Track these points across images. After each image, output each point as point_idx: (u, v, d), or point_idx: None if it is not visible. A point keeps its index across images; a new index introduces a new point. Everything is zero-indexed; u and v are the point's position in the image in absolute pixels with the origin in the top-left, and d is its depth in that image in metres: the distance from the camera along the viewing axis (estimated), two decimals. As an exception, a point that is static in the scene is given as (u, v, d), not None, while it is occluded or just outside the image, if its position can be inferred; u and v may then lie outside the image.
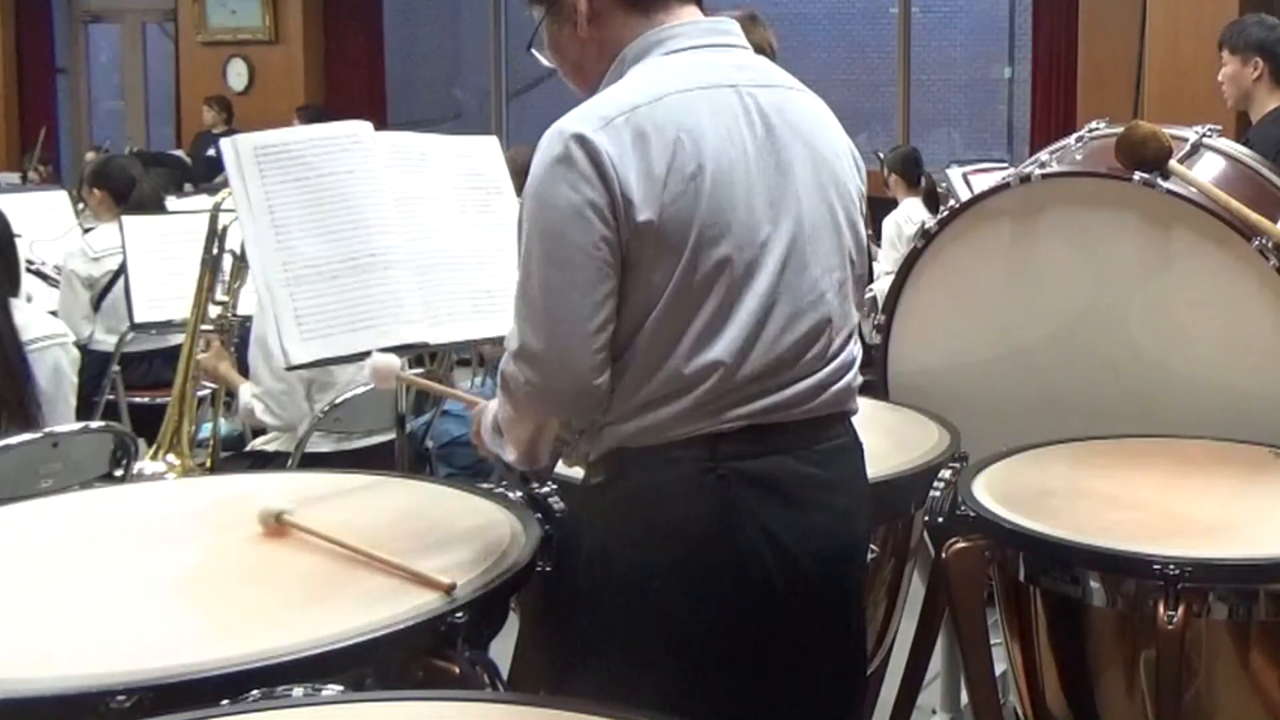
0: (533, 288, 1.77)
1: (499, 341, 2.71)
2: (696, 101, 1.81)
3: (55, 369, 3.11)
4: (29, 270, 4.71)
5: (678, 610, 1.80)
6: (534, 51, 2.00)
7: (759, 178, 1.82)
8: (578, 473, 1.95)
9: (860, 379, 1.97)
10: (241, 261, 3.50)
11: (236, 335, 3.78)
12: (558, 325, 1.76)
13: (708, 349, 1.79)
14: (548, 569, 1.98)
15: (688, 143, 1.77)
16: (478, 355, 4.63)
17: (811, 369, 1.86)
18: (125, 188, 5.30)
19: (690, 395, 1.79)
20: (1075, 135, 3.20)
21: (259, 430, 3.94)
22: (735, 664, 1.83)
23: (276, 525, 1.99)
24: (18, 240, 3.32)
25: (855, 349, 1.95)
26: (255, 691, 1.50)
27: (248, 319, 3.71)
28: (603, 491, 1.87)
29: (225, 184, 2.75)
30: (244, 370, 3.80)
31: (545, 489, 2.11)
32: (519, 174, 3.64)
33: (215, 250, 3.57)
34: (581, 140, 1.74)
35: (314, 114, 9.09)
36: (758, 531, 1.80)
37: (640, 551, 1.81)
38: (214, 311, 3.63)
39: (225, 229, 3.49)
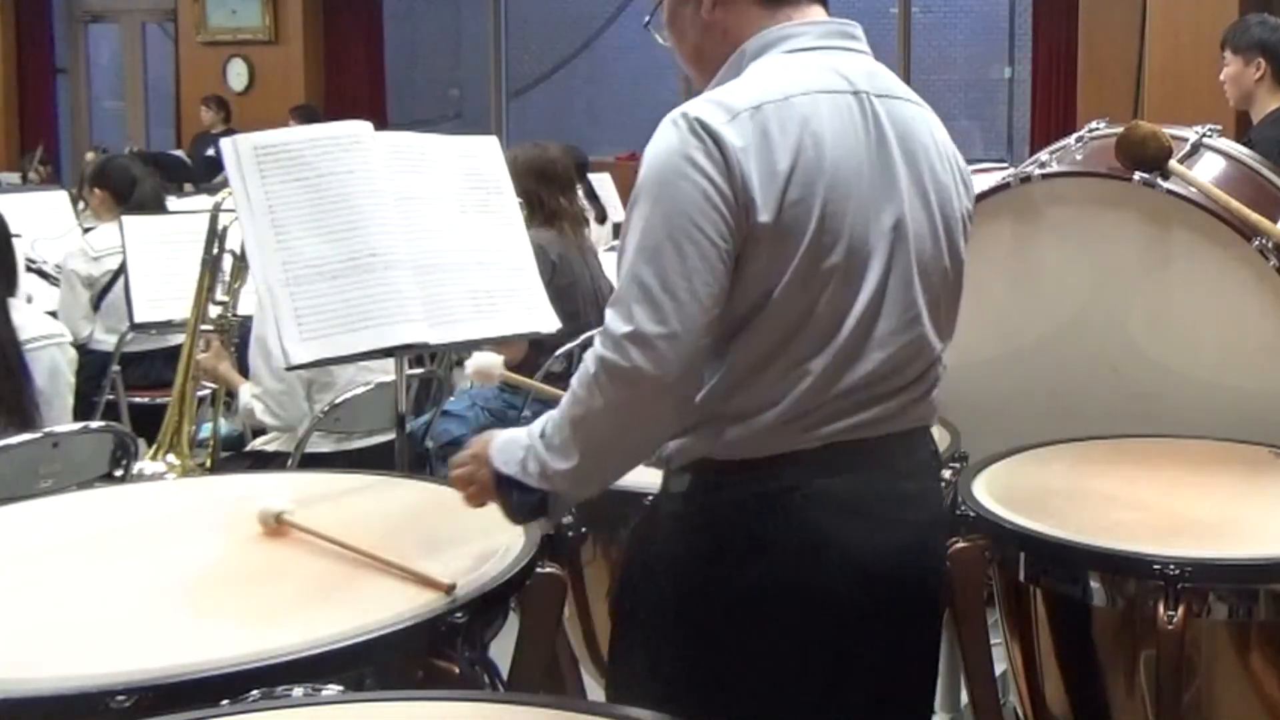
0: (652, 270, 1.66)
1: (499, 341, 2.71)
2: (820, 105, 1.75)
3: (52, 369, 3.11)
4: (29, 269, 4.71)
5: (753, 628, 1.77)
6: (652, 30, 1.95)
7: (870, 188, 1.77)
8: (638, 482, 1.89)
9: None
10: (241, 261, 3.50)
11: (236, 335, 3.78)
12: (680, 309, 1.65)
13: (808, 362, 1.74)
14: (549, 569, 1.97)
15: (810, 147, 1.71)
16: (477, 355, 4.61)
17: (902, 385, 1.82)
18: (126, 188, 5.29)
19: (784, 408, 1.74)
20: (1075, 135, 3.19)
21: (259, 430, 3.93)
22: (813, 683, 1.79)
23: (276, 525, 1.99)
24: (17, 240, 3.32)
25: (941, 367, 1.91)
26: (255, 691, 1.50)
27: (248, 319, 3.71)
28: (683, 501, 1.81)
29: (225, 184, 2.75)
30: (244, 370, 3.80)
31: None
32: (519, 174, 3.67)
33: (215, 250, 3.57)
34: (709, 130, 1.68)
35: (309, 114, 9.09)
36: (838, 553, 1.76)
37: (716, 567, 1.77)
38: (214, 311, 3.63)
39: (225, 229, 3.49)
